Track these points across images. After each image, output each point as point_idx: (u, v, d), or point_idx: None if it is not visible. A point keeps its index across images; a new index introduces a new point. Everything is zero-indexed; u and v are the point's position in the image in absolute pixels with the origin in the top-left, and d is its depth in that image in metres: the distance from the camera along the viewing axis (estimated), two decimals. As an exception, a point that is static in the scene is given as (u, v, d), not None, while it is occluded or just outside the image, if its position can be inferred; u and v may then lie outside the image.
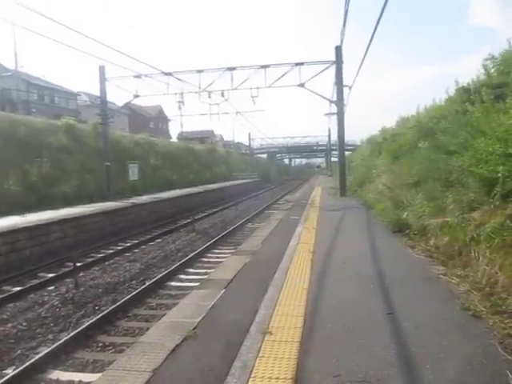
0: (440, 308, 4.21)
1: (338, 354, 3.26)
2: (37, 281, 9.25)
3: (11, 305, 7.72)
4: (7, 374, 4.99)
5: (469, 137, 6.92)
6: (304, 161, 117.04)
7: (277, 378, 2.95)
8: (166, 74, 19.28)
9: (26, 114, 27.15)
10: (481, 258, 5.01)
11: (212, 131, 72.93)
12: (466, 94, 9.85)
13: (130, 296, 7.75)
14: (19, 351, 5.78)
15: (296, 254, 7.00)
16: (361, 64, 14.29)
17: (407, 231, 8.06)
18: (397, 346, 3.38)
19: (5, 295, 8.21)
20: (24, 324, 6.69)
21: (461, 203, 6.32)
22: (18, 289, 8.65)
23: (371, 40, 11.13)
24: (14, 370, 5.14)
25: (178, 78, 19.42)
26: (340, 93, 18.61)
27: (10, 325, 6.66)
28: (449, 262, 5.76)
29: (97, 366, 5.25)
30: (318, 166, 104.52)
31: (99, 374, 3.77)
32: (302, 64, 18.83)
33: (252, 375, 3.01)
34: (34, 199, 15.58)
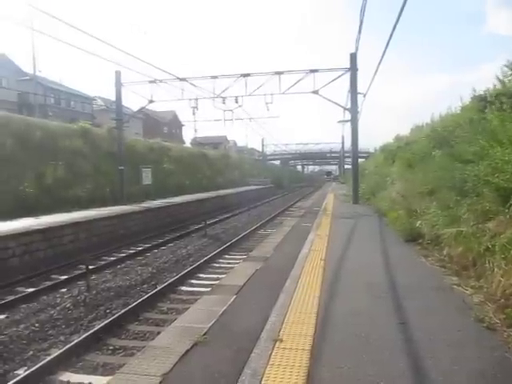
0: (453, 319, 4.15)
1: (349, 363, 3.23)
2: (49, 282, 9.34)
3: (24, 306, 7.80)
4: (19, 375, 5.03)
5: (485, 145, 6.83)
6: (317, 168, 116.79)
7: (287, 386, 2.94)
8: (181, 79, 19.42)
9: (42, 118, 27.55)
10: (496, 269, 4.92)
11: (225, 137, 73.25)
12: (482, 103, 9.76)
13: (141, 300, 7.78)
14: (31, 352, 5.82)
15: (308, 261, 6.97)
16: (375, 72, 14.30)
17: (420, 240, 7.98)
18: (409, 356, 3.34)
19: (18, 296, 8.30)
20: (36, 325, 6.74)
21: (475, 213, 6.23)
22: (31, 290, 8.74)
23: (386, 47, 11.16)
24: (26, 370, 5.18)
25: (192, 84, 19.53)
26: (354, 100, 18.56)
27: (22, 325, 6.72)
28: (463, 273, 5.69)
29: (107, 369, 5.26)
30: (329, 173, 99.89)
31: (109, 377, 3.78)
32: (316, 71, 18.81)
33: (262, 383, 2.99)
34: (48, 202, 15.75)
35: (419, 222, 8.55)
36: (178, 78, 19.18)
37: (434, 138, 11.89)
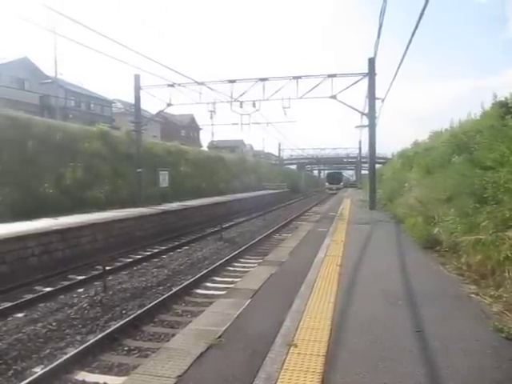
0: (471, 328, 4.08)
1: (364, 371, 3.20)
2: (67, 282, 9.47)
3: (42, 305, 7.92)
4: (36, 373, 5.11)
5: (506, 152, 6.72)
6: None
7: (301, 392, 2.93)
8: (199, 83, 19.57)
9: (63, 120, 27.99)
10: (515, 279, 4.85)
11: (242, 141, 73.40)
12: (503, 109, 9.62)
13: (156, 301, 7.82)
14: (48, 351, 5.90)
15: (323, 266, 6.94)
16: (394, 77, 14.19)
17: (438, 247, 7.88)
18: (425, 365, 3.30)
19: (36, 295, 8.43)
20: (53, 324, 6.83)
21: (495, 220, 6.13)
22: (49, 289, 8.87)
23: (405, 52, 11.07)
24: (43, 368, 5.26)
25: (210, 88, 19.68)
26: (372, 105, 18.43)
27: (40, 324, 6.82)
28: (481, 281, 5.60)
29: (122, 370, 5.30)
30: (336, 177, 79.09)
31: (124, 378, 3.81)
32: (334, 76, 18.74)
33: (276, 387, 2.99)
34: (67, 202, 15.99)
35: (437, 228, 8.45)
36: (196, 82, 19.34)
37: (454, 144, 11.74)
